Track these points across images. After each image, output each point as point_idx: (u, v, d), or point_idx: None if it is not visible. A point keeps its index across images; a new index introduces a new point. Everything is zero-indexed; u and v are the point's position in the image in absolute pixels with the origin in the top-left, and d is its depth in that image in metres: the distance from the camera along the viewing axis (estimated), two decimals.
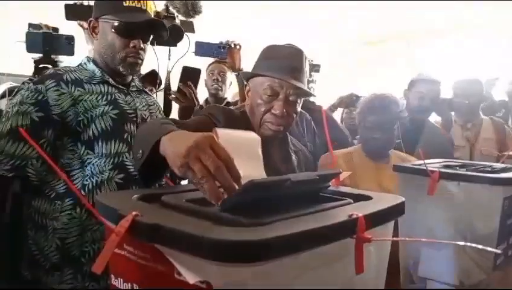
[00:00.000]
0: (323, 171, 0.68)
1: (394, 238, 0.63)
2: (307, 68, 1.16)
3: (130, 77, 1.32)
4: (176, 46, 1.64)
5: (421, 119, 2.07)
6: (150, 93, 1.42)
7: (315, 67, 2.23)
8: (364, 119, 1.60)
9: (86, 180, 1.14)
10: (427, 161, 1.19)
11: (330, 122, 1.86)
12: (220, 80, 2.26)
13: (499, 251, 1.02)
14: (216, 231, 0.46)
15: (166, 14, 1.55)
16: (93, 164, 1.14)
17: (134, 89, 1.32)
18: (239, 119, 1.16)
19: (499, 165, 1.27)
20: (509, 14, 4.05)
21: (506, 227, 1.10)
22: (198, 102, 1.63)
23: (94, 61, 1.25)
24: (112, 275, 0.57)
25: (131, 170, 1.18)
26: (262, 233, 0.45)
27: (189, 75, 1.61)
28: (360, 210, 0.56)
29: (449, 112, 2.32)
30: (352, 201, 0.65)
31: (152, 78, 1.82)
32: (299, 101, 1.15)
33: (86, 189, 1.13)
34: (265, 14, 4.29)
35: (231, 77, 2.27)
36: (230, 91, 2.54)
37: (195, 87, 1.62)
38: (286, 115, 1.11)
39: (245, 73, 1.25)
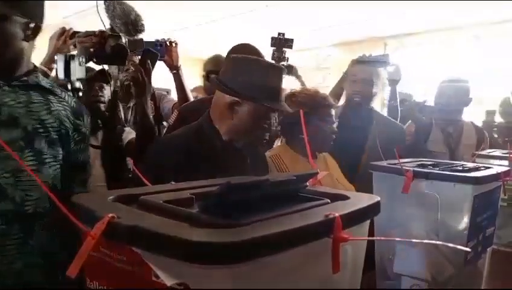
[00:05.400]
0: (301, 172, 0.69)
1: (370, 238, 0.64)
2: None
3: (21, 71, 1.10)
4: (124, 64, 1.55)
5: (358, 108, 1.87)
6: (55, 91, 1.17)
7: (287, 42, 2.02)
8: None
9: None
10: (401, 160, 1.22)
11: None
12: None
13: (468, 249, 1.06)
14: (194, 232, 0.46)
15: (110, 33, 1.51)
16: None
17: (19, 83, 1.09)
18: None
19: (470, 164, 1.32)
20: (490, 15, 4.18)
21: (476, 224, 1.14)
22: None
23: None
24: (87, 278, 0.56)
25: None
26: (240, 234, 0.45)
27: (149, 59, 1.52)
28: (336, 210, 0.57)
29: (421, 117, 2.13)
30: (329, 201, 0.66)
31: (103, 75, 1.70)
32: None
33: None
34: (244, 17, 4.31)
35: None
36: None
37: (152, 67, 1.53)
38: None
39: (233, 91, 1.18)
